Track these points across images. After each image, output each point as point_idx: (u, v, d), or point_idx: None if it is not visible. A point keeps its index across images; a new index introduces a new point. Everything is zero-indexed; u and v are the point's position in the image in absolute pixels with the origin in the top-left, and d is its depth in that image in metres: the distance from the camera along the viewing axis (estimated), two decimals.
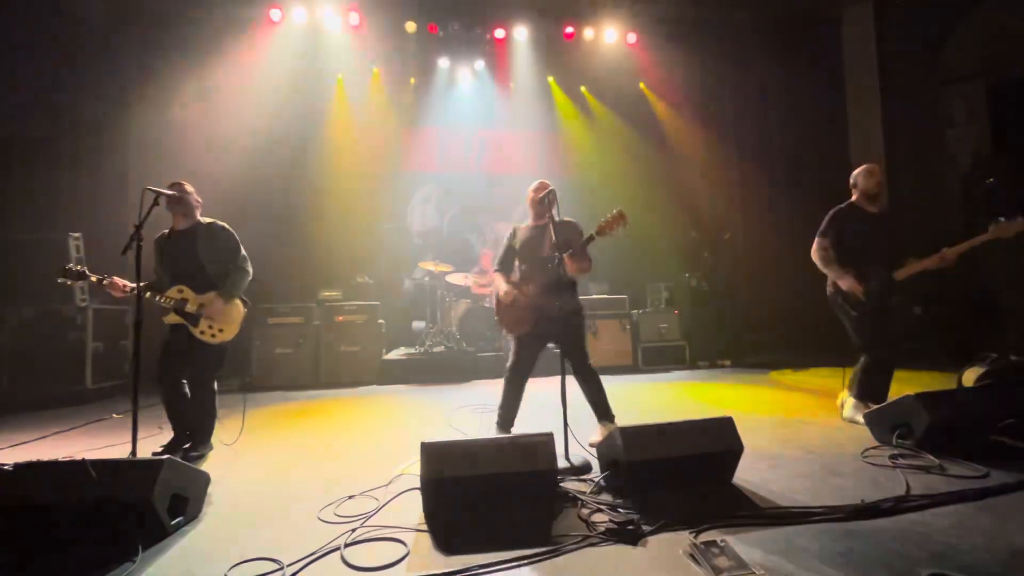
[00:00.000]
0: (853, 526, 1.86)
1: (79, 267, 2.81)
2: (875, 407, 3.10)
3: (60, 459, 2.00)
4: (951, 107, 6.94)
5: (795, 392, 4.51)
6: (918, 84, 7.13)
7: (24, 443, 3.40)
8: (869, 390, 3.29)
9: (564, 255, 2.77)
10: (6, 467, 2.01)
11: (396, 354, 6.22)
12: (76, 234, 4.91)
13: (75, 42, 6.03)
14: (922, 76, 7.10)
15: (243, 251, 3.15)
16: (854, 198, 3.42)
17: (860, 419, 3.17)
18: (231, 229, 3.15)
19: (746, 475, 2.34)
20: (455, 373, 5.77)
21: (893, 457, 2.51)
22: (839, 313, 3.41)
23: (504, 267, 3.18)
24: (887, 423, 2.73)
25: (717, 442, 2.26)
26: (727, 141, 7.74)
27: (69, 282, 2.80)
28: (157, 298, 2.89)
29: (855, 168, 3.49)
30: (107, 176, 6.13)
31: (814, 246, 3.40)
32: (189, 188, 3.08)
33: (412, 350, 6.33)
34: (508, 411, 3.04)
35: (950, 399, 2.71)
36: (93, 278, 2.79)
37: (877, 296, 3.21)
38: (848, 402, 3.38)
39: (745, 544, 1.73)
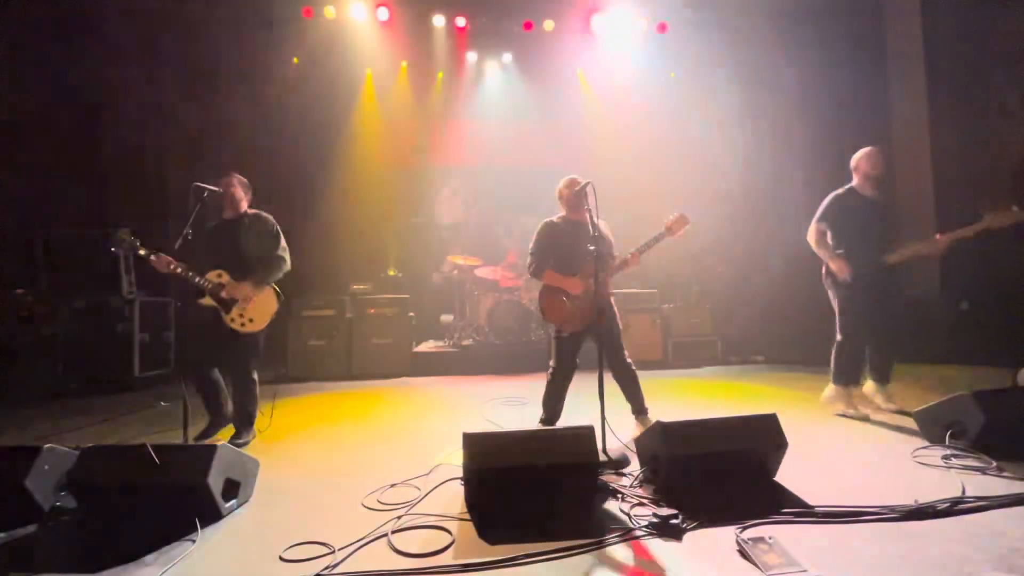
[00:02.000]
0: (908, 527, 1.81)
1: (132, 236, 2.88)
2: (852, 388, 3.39)
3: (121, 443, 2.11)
4: (1003, 93, 6.59)
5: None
6: (967, 69, 6.78)
7: (81, 428, 3.58)
8: (850, 376, 3.39)
9: (634, 252, 2.88)
10: (74, 449, 2.13)
11: (426, 347, 6.30)
12: (126, 229, 5.10)
13: (116, 43, 6.25)
14: (971, 60, 6.76)
15: (283, 242, 3.22)
16: (854, 182, 3.44)
17: (843, 408, 3.37)
18: (273, 220, 3.24)
19: (789, 472, 2.29)
20: (484, 366, 5.81)
21: (946, 457, 2.42)
22: (829, 293, 3.47)
23: (545, 264, 3.04)
24: (939, 422, 2.63)
25: (760, 438, 2.22)
26: (762, 131, 7.53)
27: (121, 251, 2.87)
28: (198, 280, 2.95)
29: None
30: (149, 173, 6.35)
31: (810, 229, 3.47)
32: (238, 180, 3.18)
33: (441, 343, 6.39)
34: (553, 410, 3.05)
35: (1006, 398, 2.60)
36: (142, 251, 2.86)
37: (865, 280, 3.25)
38: (829, 389, 3.49)
39: (794, 542, 1.70)
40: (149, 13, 6.36)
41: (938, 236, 3.16)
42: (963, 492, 2.03)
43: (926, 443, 2.66)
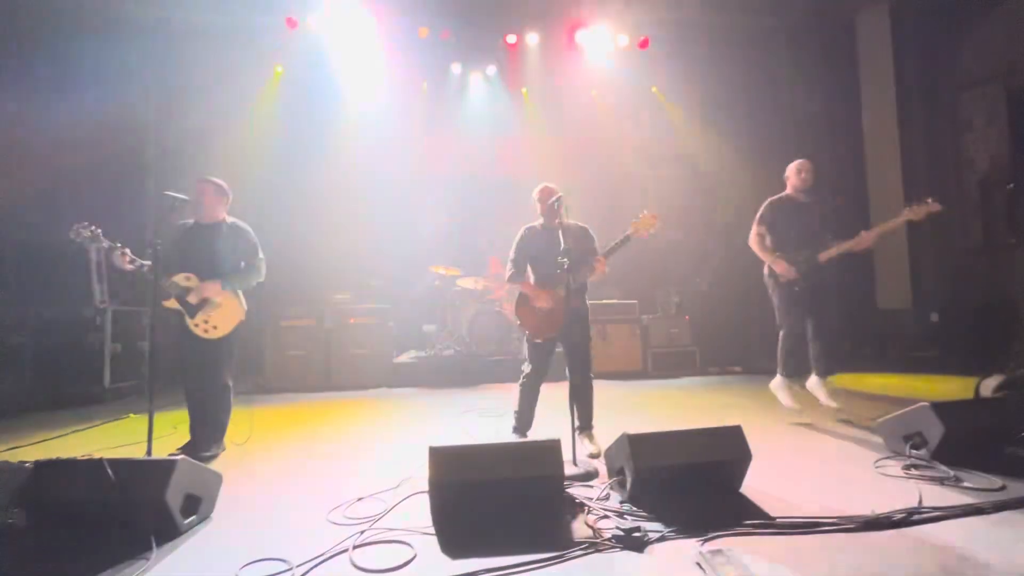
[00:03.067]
0: (864, 537, 1.84)
1: (94, 228, 2.76)
2: (797, 380, 3.64)
3: (78, 457, 2.06)
4: (969, 111, 6.83)
5: (805, 399, 4.43)
6: (935, 88, 7.03)
7: (44, 440, 3.49)
8: (791, 366, 3.62)
9: (597, 258, 2.89)
10: (27, 464, 2.07)
11: (406, 357, 6.26)
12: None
13: (97, 53, 6.19)
14: (939, 80, 7.00)
15: (261, 253, 3.21)
16: (788, 190, 3.73)
17: (784, 398, 3.63)
18: (251, 230, 3.22)
19: (755, 483, 2.32)
20: (464, 377, 5.79)
21: (906, 468, 2.47)
22: (770, 292, 3.71)
23: (522, 271, 3.14)
24: (900, 432, 2.69)
25: (725, 450, 2.25)
26: (739, 145, 7.69)
27: (80, 238, 2.74)
28: (162, 281, 2.85)
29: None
30: (127, 181, 6.27)
31: (751, 233, 3.71)
32: (213, 186, 3.11)
33: (422, 353, 6.36)
34: (526, 417, 3.08)
35: (966, 409, 2.67)
36: (105, 243, 2.77)
37: (803, 277, 3.51)
38: (776, 379, 3.73)
39: (752, 553, 1.72)
40: (128, 21, 6.32)
41: (864, 233, 3.41)
42: (919, 502, 2.07)
43: (888, 454, 2.72)
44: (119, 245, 2.80)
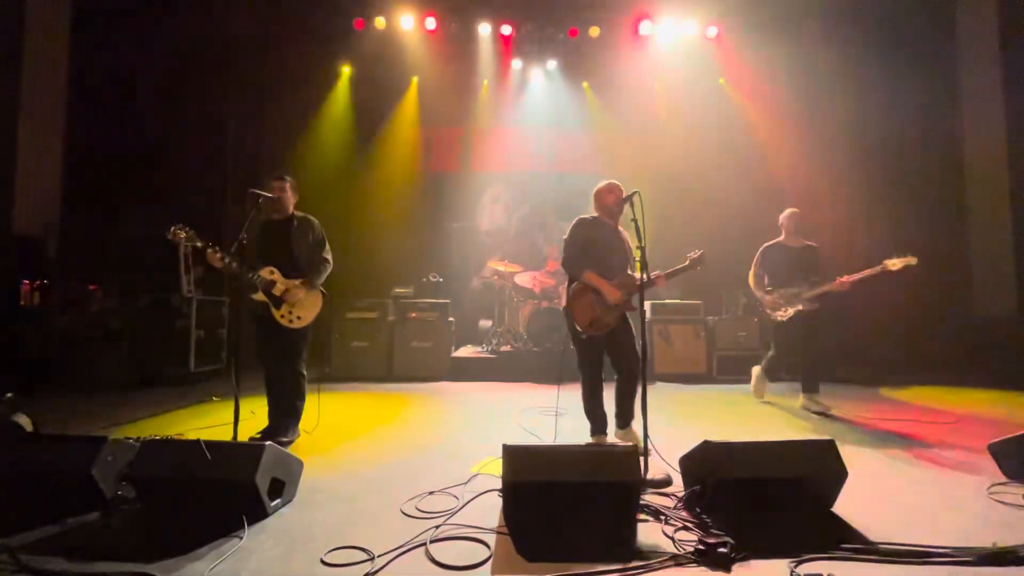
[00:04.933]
0: (985, 572, 1.65)
1: (189, 229, 2.96)
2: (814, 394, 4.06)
3: (175, 437, 2.20)
4: None
5: (896, 410, 4.08)
6: None
7: (140, 419, 3.79)
8: (809, 384, 4.10)
9: (657, 275, 2.91)
10: (132, 440, 2.24)
11: (464, 351, 6.33)
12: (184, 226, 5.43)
13: (182, 66, 6.68)
14: None
15: (327, 245, 3.38)
16: (781, 237, 4.27)
17: (813, 405, 4.03)
18: (319, 223, 3.40)
19: (848, 503, 2.14)
20: (522, 373, 5.78)
21: None
22: (769, 321, 4.32)
23: (589, 263, 2.96)
24: (1020, 456, 2.40)
25: (817, 466, 2.09)
26: (817, 138, 7.19)
27: (177, 239, 2.94)
28: (251, 275, 3.06)
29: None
30: (210, 178, 6.72)
31: (750, 275, 4.35)
32: (289, 184, 3.30)
33: (479, 348, 6.41)
34: (595, 418, 3.04)
35: None
36: (199, 243, 2.95)
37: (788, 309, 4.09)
38: (800, 397, 4.18)
39: None
40: (212, 30, 6.76)
41: (845, 278, 3.90)
42: None
43: (1003, 479, 2.43)
44: (212, 244, 2.99)
